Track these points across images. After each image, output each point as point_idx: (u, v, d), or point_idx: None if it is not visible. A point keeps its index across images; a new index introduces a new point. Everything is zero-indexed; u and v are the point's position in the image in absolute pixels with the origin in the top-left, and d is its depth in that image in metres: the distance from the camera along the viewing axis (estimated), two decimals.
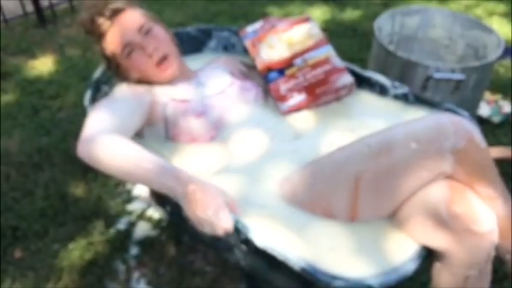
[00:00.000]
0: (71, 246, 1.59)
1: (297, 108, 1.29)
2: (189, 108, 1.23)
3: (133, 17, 1.25)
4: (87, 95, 1.26)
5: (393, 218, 0.99)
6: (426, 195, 0.94)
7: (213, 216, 0.88)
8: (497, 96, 2.08)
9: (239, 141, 1.21)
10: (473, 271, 0.94)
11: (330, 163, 1.02)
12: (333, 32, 2.66)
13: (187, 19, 2.86)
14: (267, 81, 1.33)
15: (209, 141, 1.22)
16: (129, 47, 1.24)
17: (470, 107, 1.78)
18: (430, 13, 1.95)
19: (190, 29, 1.50)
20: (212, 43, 1.54)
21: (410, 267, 0.91)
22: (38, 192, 1.78)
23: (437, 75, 1.62)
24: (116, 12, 1.23)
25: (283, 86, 1.29)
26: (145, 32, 1.24)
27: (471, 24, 1.87)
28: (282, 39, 1.35)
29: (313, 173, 1.03)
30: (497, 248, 1.00)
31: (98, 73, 1.33)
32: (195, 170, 1.13)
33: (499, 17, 2.69)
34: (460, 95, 1.68)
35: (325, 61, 1.30)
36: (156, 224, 1.68)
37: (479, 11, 2.78)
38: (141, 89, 1.26)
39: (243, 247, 1.04)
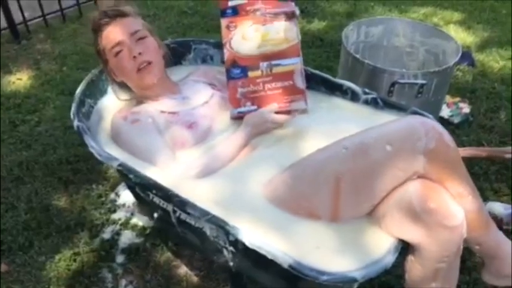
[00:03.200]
0: (57, 257, 1.62)
1: (244, 116, 1.32)
2: (179, 120, 1.31)
3: (132, 22, 1.36)
4: (72, 109, 1.30)
5: (371, 215, 1.08)
6: (401, 193, 1.03)
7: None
8: (457, 99, 2.22)
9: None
10: (443, 264, 1.03)
11: (309, 165, 1.10)
12: (302, 42, 2.70)
13: (161, 32, 2.90)
14: (229, 76, 1.34)
15: (198, 149, 1.29)
16: (118, 47, 1.33)
17: (433, 109, 1.90)
18: (392, 23, 2.07)
19: (169, 41, 1.56)
20: (190, 55, 1.61)
21: (390, 259, 0.99)
22: (20, 205, 1.80)
23: (402, 81, 1.74)
24: (118, 14, 1.35)
25: (240, 89, 1.33)
26: (138, 38, 1.34)
27: (431, 32, 2.01)
28: (258, 31, 1.34)
29: (295, 175, 1.11)
30: (467, 240, 1.10)
31: (82, 87, 1.38)
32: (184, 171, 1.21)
33: (454, 25, 2.85)
34: (423, 99, 1.80)
35: (289, 75, 1.32)
36: (141, 232, 1.72)
37: (436, 20, 2.95)
38: (138, 115, 1.32)
39: (232, 248, 1.11)
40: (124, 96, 1.43)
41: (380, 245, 1.03)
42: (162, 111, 1.32)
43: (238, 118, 1.34)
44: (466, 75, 2.46)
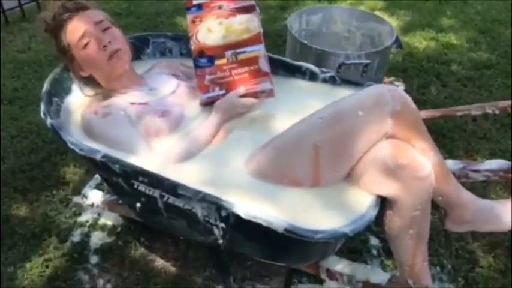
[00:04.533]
0: (27, 265, 1.57)
1: (214, 101, 1.37)
2: (151, 109, 1.33)
3: (94, 14, 1.37)
4: (41, 108, 1.29)
5: (350, 177, 1.17)
6: (375, 153, 1.13)
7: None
8: (392, 78, 2.41)
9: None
10: (417, 212, 1.14)
11: (289, 137, 1.18)
12: None
13: None
14: (196, 65, 1.40)
15: (172, 136, 1.32)
16: (86, 38, 1.32)
17: None
18: (330, 11, 2.21)
19: (127, 37, 1.57)
20: (149, 49, 1.63)
21: (372, 213, 1.09)
22: None
23: (348, 62, 1.87)
24: (79, 8, 1.34)
25: (208, 76, 1.38)
26: (103, 28, 1.35)
27: (365, 17, 2.16)
28: (222, 24, 1.41)
29: (275, 148, 1.18)
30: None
31: (46, 86, 1.35)
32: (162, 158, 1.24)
33: (379, 12, 3.06)
34: (367, 78, 1.94)
35: (253, 60, 1.39)
36: (111, 230, 1.72)
37: (363, 8, 3.14)
38: (108, 108, 1.32)
39: (223, 225, 1.16)
40: (90, 92, 1.42)
41: (361, 202, 1.13)
42: (132, 103, 1.34)
43: (208, 103, 1.39)
44: (396, 57, 2.67)
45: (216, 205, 1.09)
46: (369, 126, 1.12)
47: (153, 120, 1.31)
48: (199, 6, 1.43)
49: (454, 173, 1.40)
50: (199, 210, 1.14)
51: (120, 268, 1.60)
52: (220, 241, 1.23)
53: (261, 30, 1.43)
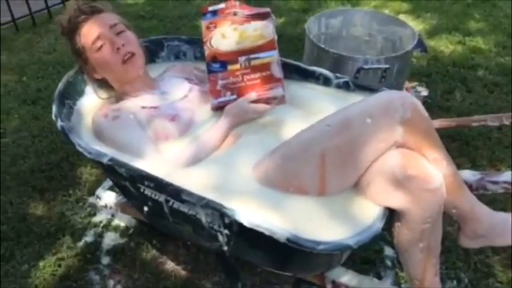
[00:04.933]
0: (41, 264, 1.60)
1: (225, 106, 1.36)
2: (161, 114, 1.33)
3: (109, 17, 1.37)
4: (53, 110, 1.30)
5: (357, 187, 1.15)
6: (383, 163, 1.10)
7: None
8: (414, 83, 2.34)
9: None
10: (427, 224, 1.10)
11: (296, 144, 1.16)
12: None
13: None
14: (209, 70, 1.40)
15: (182, 141, 1.31)
16: (100, 41, 1.33)
17: None
18: (350, 14, 2.17)
19: (141, 40, 1.58)
20: (163, 53, 1.63)
21: (379, 225, 1.06)
22: None
23: (366, 66, 1.83)
24: (94, 11, 1.35)
25: (220, 81, 1.38)
26: (118, 31, 1.36)
27: (387, 21, 2.11)
28: (236, 30, 1.41)
29: (282, 155, 1.16)
30: (444, 205, 1.19)
31: (60, 88, 1.37)
32: (171, 164, 1.24)
33: (404, 15, 3.00)
34: (387, 83, 1.89)
35: (266, 66, 1.38)
36: (124, 232, 1.73)
37: (387, 11, 3.09)
38: (118, 112, 1.33)
39: (227, 232, 1.15)
40: (104, 94, 1.44)
41: (368, 213, 1.09)
42: (143, 107, 1.34)
43: (219, 108, 1.38)
44: (420, 61, 2.60)
45: (219, 212, 1.08)
46: (378, 134, 1.09)
47: (162, 124, 1.31)
48: (215, 13, 1.43)
49: (471, 185, 1.36)
50: (203, 216, 1.14)
51: (131, 270, 1.61)
52: (225, 248, 1.22)
53: (276, 37, 1.42)
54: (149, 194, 1.19)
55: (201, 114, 1.39)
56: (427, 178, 1.06)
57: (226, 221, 1.10)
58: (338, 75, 1.49)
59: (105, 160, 1.17)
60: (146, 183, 1.16)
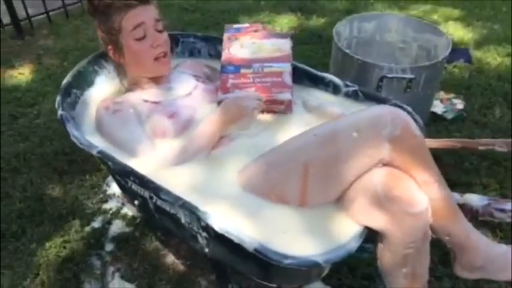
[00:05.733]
0: (47, 244, 1.66)
1: None
2: (161, 109, 1.34)
3: (156, 11, 1.39)
4: (57, 99, 1.34)
5: (339, 202, 1.10)
6: (367, 180, 1.05)
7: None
8: (451, 95, 2.22)
9: None
10: (410, 250, 1.04)
11: (281, 152, 1.13)
12: (299, 39, 2.78)
13: None
14: (222, 71, 1.42)
15: (178, 137, 1.31)
16: (142, 30, 1.33)
17: (422, 104, 1.91)
18: (385, 18, 2.08)
19: None
20: (178, 48, 1.64)
21: (353, 245, 1.01)
22: (15, 194, 1.85)
23: (389, 75, 1.75)
24: (143, 0, 1.34)
25: (231, 80, 1.39)
26: (159, 29, 1.37)
27: (422, 28, 2.01)
28: (255, 44, 1.48)
29: (267, 162, 1.14)
30: (436, 231, 1.12)
31: (68, 78, 1.41)
32: (164, 160, 1.24)
33: (454, 22, 2.85)
34: (412, 93, 1.81)
35: (278, 74, 1.40)
36: (131, 221, 1.76)
37: (436, 17, 2.94)
38: (120, 105, 1.34)
39: (205, 234, 1.14)
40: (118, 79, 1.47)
41: (345, 231, 1.05)
42: (145, 100, 1.36)
43: None
44: (463, 72, 2.46)
45: (195, 214, 1.07)
46: (363, 149, 1.04)
47: (161, 120, 1.32)
48: (238, 29, 1.55)
49: (477, 210, 1.28)
50: (182, 216, 1.13)
51: (132, 259, 1.64)
52: (206, 250, 1.22)
53: (291, 53, 1.47)
54: (135, 189, 1.21)
55: (203, 112, 1.38)
56: (410, 201, 1.00)
57: (202, 223, 1.09)
58: (348, 83, 1.43)
59: (94, 152, 1.19)
60: (131, 178, 1.17)
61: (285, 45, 1.47)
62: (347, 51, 1.84)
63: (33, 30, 3.00)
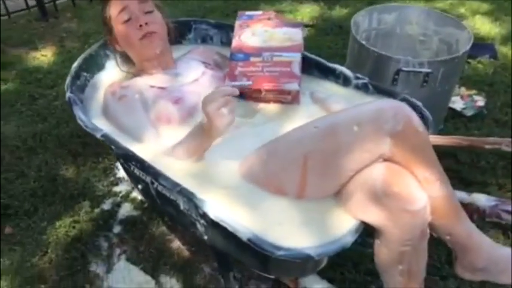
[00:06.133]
0: (57, 223, 1.70)
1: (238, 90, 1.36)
2: (167, 95, 1.34)
3: None
4: (67, 81, 1.36)
5: (337, 196, 1.08)
6: (366, 175, 1.02)
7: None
8: (472, 91, 2.16)
9: None
10: (407, 247, 1.02)
11: (282, 143, 1.11)
12: (320, 29, 2.75)
13: (181, 15, 2.96)
14: (231, 58, 1.42)
15: (184, 124, 1.32)
16: (126, 14, 1.37)
17: (440, 99, 1.86)
18: (406, 10, 2.03)
19: (170, 20, 1.59)
20: (191, 35, 1.64)
21: (348, 240, 0.99)
22: (30, 174, 1.90)
23: (405, 69, 1.71)
24: None
25: (240, 68, 1.39)
26: (146, 10, 1.39)
27: (444, 21, 1.95)
28: (267, 32, 1.47)
29: (268, 153, 1.13)
30: (437, 229, 1.09)
31: (79, 61, 1.43)
32: (167, 148, 1.25)
33: (481, 16, 2.76)
34: (429, 88, 1.76)
35: (287, 64, 1.38)
36: (139, 205, 1.78)
37: (463, 10, 2.86)
38: (126, 90, 1.36)
39: (203, 221, 1.14)
40: (125, 68, 1.48)
41: (341, 225, 1.03)
42: (152, 86, 1.36)
43: None
44: (487, 68, 2.38)
45: (192, 201, 1.07)
46: (363, 143, 1.01)
47: (166, 106, 1.32)
48: (250, 16, 1.54)
49: (484, 210, 1.24)
50: (181, 203, 1.14)
51: (138, 242, 1.66)
52: (205, 237, 1.22)
53: (302, 43, 1.45)
54: (138, 173, 1.22)
55: None
56: (408, 198, 0.98)
57: (200, 211, 1.09)
58: (358, 75, 1.41)
59: (98, 135, 1.21)
60: (133, 162, 1.18)
61: (297, 35, 1.45)
62: (363, 42, 1.80)
63: (57, 13, 3.05)
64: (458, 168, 1.85)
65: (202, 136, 1.13)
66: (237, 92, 1.09)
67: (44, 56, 2.65)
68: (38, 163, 1.94)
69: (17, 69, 2.53)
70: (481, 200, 1.21)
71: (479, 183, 1.78)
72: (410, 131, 1.00)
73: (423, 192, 1.00)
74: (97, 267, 1.59)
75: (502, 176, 1.80)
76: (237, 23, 1.52)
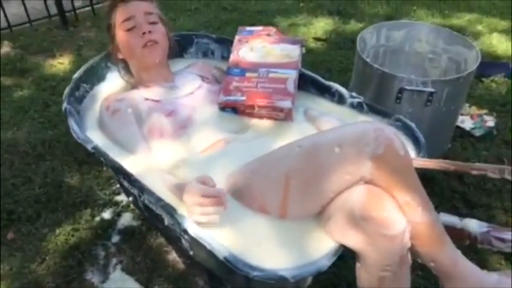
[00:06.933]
0: (57, 231, 1.73)
1: (232, 106, 1.38)
2: (160, 108, 1.36)
3: (147, 5, 1.44)
4: (66, 91, 1.39)
5: (319, 217, 1.07)
6: (346, 197, 1.01)
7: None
8: (483, 111, 2.11)
9: (201, 138, 1.32)
10: (387, 273, 1.00)
11: (266, 161, 1.11)
12: (333, 43, 2.74)
13: (197, 26, 3.00)
14: (227, 73, 1.44)
15: (176, 137, 1.33)
16: (130, 22, 1.39)
17: (444, 119, 1.82)
18: (415, 27, 2.00)
19: (173, 34, 1.61)
20: (192, 49, 1.65)
21: (325, 263, 0.98)
22: (36, 180, 1.94)
23: (408, 87, 1.68)
24: None
25: (235, 83, 1.40)
26: (150, 21, 1.41)
27: (454, 39, 1.92)
28: (265, 48, 1.48)
29: (252, 170, 1.13)
30: (421, 256, 1.07)
31: (80, 72, 1.46)
32: (158, 163, 1.26)
33: (499, 34, 2.70)
34: (433, 108, 1.73)
35: (283, 81, 1.39)
36: (139, 215, 1.80)
37: (480, 27, 2.80)
38: (120, 104, 1.37)
39: (186, 236, 1.14)
40: (125, 77, 1.51)
41: (320, 247, 1.02)
42: (146, 99, 1.39)
43: (225, 106, 1.39)
44: (500, 87, 2.32)
45: (173, 217, 1.08)
46: (344, 165, 1.00)
47: (159, 118, 1.34)
48: (250, 31, 1.55)
49: (475, 236, 1.21)
50: (165, 218, 1.15)
51: (135, 253, 1.67)
52: (191, 252, 1.22)
53: (300, 60, 1.45)
54: (126, 185, 1.23)
55: (202, 113, 1.39)
56: (385, 222, 0.96)
57: (182, 226, 1.09)
58: (353, 94, 1.40)
59: (89, 147, 1.23)
60: (122, 175, 1.20)
61: (295, 52, 1.45)
62: (367, 60, 1.78)
63: (77, 21, 3.12)
64: (463, 190, 1.81)
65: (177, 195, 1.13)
66: (225, 206, 1.04)
67: (61, 63, 2.72)
68: (45, 169, 1.99)
69: (34, 76, 2.60)
70: (473, 225, 1.18)
71: (484, 205, 1.74)
72: (391, 154, 0.98)
73: (402, 217, 0.98)
74: (93, 276, 1.61)
75: (507, 200, 1.75)
76: (237, 38, 1.53)
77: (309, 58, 2.60)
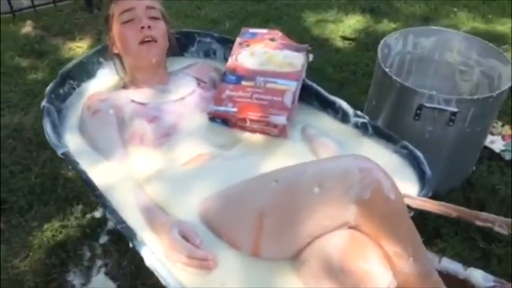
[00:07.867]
0: (45, 226, 1.67)
1: (221, 117, 1.27)
2: (144, 112, 1.26)
3: (151, 1, 1.34)
4: (49, 87, 1.31)
5: (295, 259, 0.95)
6: (324, 242, 0.88)
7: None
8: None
9: (184, 149, 1.21)
10: None
11: (240, 191, 1.00)
12: (362, 43, 2.56)
13: (222, 17, 2.88)
14: (222, 79, 1.33)
15: (157, 145, 1.23)
16: (129, 14, 1.30)
17: (470, 141, 1.64)
18: (446, 35, 1.81)
19: (174, 31, 1.50)
20: (193, 48, 1.54)
21: None
22: (34, 169, 1.89)
23: (428, 105, 1.51)
24: None
25: (228, 91, 1.28)
26: (151, 16, 1.31)
27: (488, 51, 1.72)
28: (266, 53, 1.35)
29: (226, 198, 1.01)
30: None
31: (68, 66, 1.38)
32: (134, 171, 1.17)
33: None
34: (457, 128, 1.56)
35: (280, 93, 1.26)
36: None
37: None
38: (102, 104, 1.28)
39: None
40: (119, 73, 1.41)
41: None
42: (132, 100, 1.29)
43: (214, 116, 1.28)
44: None
45: (132, 242, 0.98)
46: (324, 208, 0.87)
47: (141, 124, 1.24)
48: (253, 34, 1.42)
49: None
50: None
51: (121, 256, 1.60)
52: None
53: (304, 69, 1.32)
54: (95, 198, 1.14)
55: (190, 121, 1.28)
56: (366, 277, 0.83)
57: (139, 254, 0.99)
58: (358, 113, 1.25)
59: (59, 153, 1.15)
60: (88, 187, 1.11)
61: (298, 60, 1.31)
62: (387, 69, 1.61)
63: (103, 4, 3.05)
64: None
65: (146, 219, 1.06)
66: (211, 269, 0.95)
67: (80, 47, 2.66)
68: (45, 158, 1.93)
69: (50, 59, 2.55)
70: (478, 277, 1.02)
71: (504, 241, 1.56)
72: (379, 199, 0.84)
73: (388, 271, 0.85)
74: (74, 278, 1.55)
75: None
76: (238, 40, 1.40)
77: (335, 58, 2.44)
